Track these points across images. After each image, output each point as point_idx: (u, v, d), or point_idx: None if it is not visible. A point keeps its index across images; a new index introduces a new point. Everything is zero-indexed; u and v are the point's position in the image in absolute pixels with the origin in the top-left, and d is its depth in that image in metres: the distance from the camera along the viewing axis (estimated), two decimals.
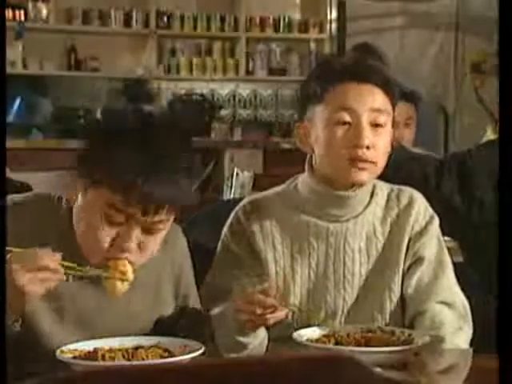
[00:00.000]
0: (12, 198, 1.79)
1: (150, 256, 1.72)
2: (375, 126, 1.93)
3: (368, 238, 2.00)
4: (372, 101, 1.93)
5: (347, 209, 1.98)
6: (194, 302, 1.92)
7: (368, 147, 1.91)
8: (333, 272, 1.98)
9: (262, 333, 1.89)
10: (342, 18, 7.02)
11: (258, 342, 1.88)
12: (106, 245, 1.66)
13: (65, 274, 1.60)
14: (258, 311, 1.76)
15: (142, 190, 1.59)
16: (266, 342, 1.92)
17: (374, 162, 1.93)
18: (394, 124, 2.01)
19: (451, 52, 7.31)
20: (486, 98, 6.77)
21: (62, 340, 1.71)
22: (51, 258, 1.56)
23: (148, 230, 1.67)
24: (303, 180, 2.02)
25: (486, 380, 1.60)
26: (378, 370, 1.46)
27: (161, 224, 1.68)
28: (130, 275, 1.68)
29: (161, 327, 1.82)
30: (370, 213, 2.00)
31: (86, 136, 1.71)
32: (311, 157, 2.00)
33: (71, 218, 1.73)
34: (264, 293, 1.77)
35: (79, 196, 1.70)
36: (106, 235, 1.66)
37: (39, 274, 1.55)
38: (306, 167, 2.01)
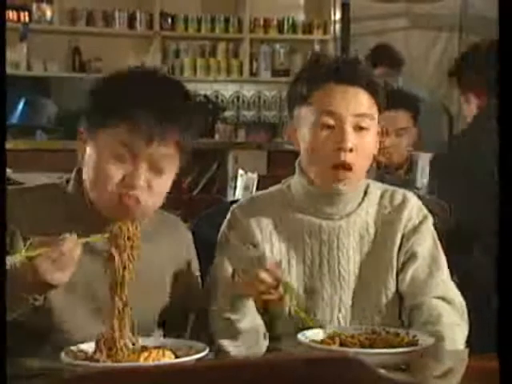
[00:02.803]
0: (22, 186, 1.97)
1: (159, 200, 1.81)
2: (359, 128, 1.96)
3: (361, 236, 2.02)
4: (356, 104, 1.96)
5: (339, 206, 2.01)
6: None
7: (351, 150, 1.94)
8: (327, 269, 2.01)
9: (253, 317, 1.91)
10: (345, 19, 7.01)
11: (248, 324, 1.90)
12: (116, 180, 1.75)
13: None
14: (263, 277, 1.81)
15: (147, 120, 1.74)
16: (263, 333, 1.93)
17: (355, 171, 1.96)
18: (383, 131, 2.05)
19: (455, 53, 7.30)
20: None
21: (71, 313, 1.77)
22: (72, 242, 1.61)
23: (155, 168, 1.77)
24: (295, 179, 2.06)
25: (487, 381, 1.61)
26: (383, 371, 1.46)
27: (165, 160, 1.78)
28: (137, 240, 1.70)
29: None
30: (363, 211, 2.03)
31: (101, 86, 1.87)
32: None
33: (80, 192, 1.83)
34: (268, 272, 1.83)
35: (88, 146, 1.81)
36: (116, 171, 1.75)
37: (62, 261, 1.59)
38: (296, 166, 2.05)
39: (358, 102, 1.96)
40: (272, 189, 2.11)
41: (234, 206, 2.08)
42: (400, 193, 2.07)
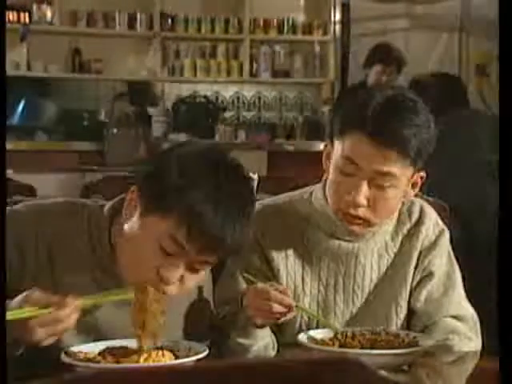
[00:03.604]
0: (41, 202, 1.81)
1: (185, 291, 1.70)
2: (380, 186, 1.84)
3: (380, 255, 1.99)
4: (384, 165, 1.82)
5: (357, 235, 1.96)
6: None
7: (366, 205, 1.85)
8: (342, 287, 1.98)
9: (265, 336, 1.88)
10: (346, 20, 7.01)
11: (261, 344, 1.87)
12: (151, 274, 1.63)
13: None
14: (276, 309, 1.76)
15: (209, 231, 1.59)
16: (272, 346, 1.90)
17: (371, 223, 1.89)
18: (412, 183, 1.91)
19: (455, 54, 7.30)
20: (490, 100, 6.76)
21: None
22: (71, 307, 1.53)
23: (192, 268, 1.66)
24: (317, 195, 1.98)
25: (487, 382, 1.61)
26: (383, 372, 1.46)
27: (206, 265, 1.69)
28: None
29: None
30: (382, 231, 1.98)
31: (166, 166, 1.65)
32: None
33: (109, 229, 1.72)
34: (282, 292, 1.78)
35: (136, 215, 1.66)
36: (153, 263, 1.64)
37: (56, 327, 1.53)
38: (322, 184, 1.97)
39: (387, 164, 1.82)
40: (292, 195, 2.04)
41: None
42: (417, 205, 2.02)
